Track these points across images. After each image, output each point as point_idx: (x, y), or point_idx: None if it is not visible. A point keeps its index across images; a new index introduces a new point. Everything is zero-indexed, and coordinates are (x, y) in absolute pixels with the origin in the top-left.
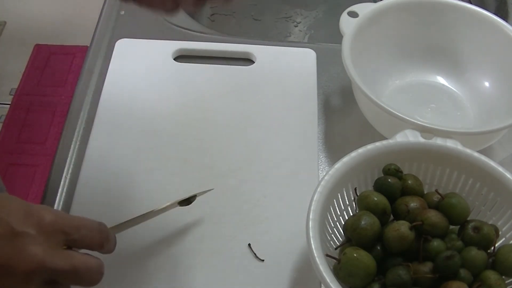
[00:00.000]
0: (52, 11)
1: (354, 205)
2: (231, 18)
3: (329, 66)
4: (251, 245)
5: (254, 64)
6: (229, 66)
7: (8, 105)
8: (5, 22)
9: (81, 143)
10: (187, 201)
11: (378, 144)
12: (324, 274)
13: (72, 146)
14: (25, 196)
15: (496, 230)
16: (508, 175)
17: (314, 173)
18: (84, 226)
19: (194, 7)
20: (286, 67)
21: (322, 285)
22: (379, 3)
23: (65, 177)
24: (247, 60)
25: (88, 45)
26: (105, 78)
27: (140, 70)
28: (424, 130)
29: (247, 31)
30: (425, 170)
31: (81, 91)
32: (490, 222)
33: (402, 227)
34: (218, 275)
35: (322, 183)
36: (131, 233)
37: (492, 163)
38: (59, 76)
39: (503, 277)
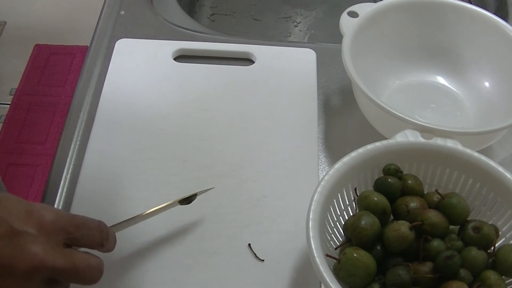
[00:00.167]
0: (52, 11)
1: (354, 205)
2: (231, 18)
3: (329, 66)
4: (251, 245)
5: (254, 64)
6: (229, 66)
7: (8, 105)
8: (5, 22)
9: (81, 143)
10: (187, 200)
11: (378, 144)
12: (324, 274)
13: (72, 146)
14: (25, 196)
15: (496, 230)
16: (508, 175)
17: (314, 173)
18: (85, 225)
19: None
20: (286, 67)
21: (322, 285)
22: (379, 3)
23: (65, 177)
24: (247, 60)
25: (88, 45)
26: (105, 78)
27: (140, 70)
28: (424, 130)
29: (247, 31)
30: (425, 170)
31: (81, 91)
32: (490, 222)
33: (402, 227)
34: (218, 275)
35: (322, 183)
36: (131, 233)
37: (492, 163)
38: (59, 76)
39: (503, 277)
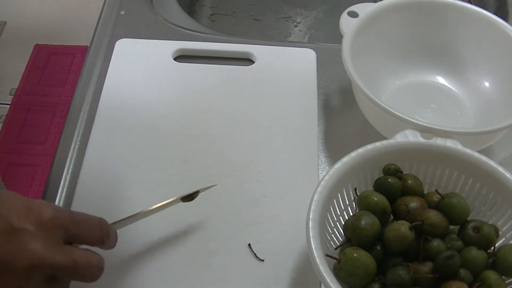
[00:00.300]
0: (52, 11)
1: (354, 205)
2: (231, 18)
3: (329, 66)
4: (251, 245)
5: (254, 64)
6: (229, 66)
7: (8, 105)
8: (5, 22)
9: (81, 143)
10: (189, 197)
11: (378, 144)
12: (324, 274)
13: (72, 146)
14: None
15: (496, 230)
16: (508, 175)
17: (314, 173)
18: (85, 222)
19: None
20: (286, 67)
21: (322, 285)
22: (379, 3)
23: (65, 177)
24: (247, 60)
25: (88, 45)
26: (105, 78)
27: (140, 70)
28: (424, 130)
29: (247, 31)
30: (425, 170)
31: (81, 91)
32: (490, 222)
33: (402, 227)
34: (218, 275)
35: (322, 183)
36: (131, 233)
37: (492, 163)
38: (59, 76)
39: (503, 277)
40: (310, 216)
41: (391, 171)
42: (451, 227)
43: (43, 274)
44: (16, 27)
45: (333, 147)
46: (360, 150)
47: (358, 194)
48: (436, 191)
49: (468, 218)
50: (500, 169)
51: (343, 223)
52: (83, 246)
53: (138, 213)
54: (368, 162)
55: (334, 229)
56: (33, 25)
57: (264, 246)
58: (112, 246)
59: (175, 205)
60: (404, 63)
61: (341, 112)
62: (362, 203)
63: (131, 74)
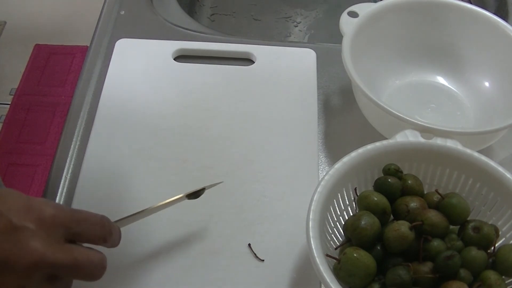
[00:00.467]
0: (52, 11)
1: (354, 205)
2: (231, 18)
3: (329, 66)
4: (251, 245)
5: (254, 64)
6: (229, 66)
7: (8, 105)
8: (5, 22)
9: (81, 143)
10: (195, 194)
11: (378, 144)
12: (324, 274)
13: (72, 146)
14: None
15: (496, 230)
16: (508, 175)
17: (314, 173)
18: (86, 220)
19: None
20: (286, 67)
21: (322, 285)
22: (379, 3)
23: (65, 177)
24: (247, 60)
25: (88, 45)
26: (105, 78)
27: (140, 70)
28: (424, 130)
29: (247, 31)
30: (425, 170)
31: (81, 91)
32: (490, 222)
33: (402, 227)
34: (218, 275)
35: (322, 183)
36: (131, 233)
37: (492, 163)
38: (59, 76)
39: (503, 277)
40: (310, 216)
41: (391, 171)
42: (451, 227)
43: (44, 273)
44: (16, 27)
45: (333, 147)
46: (360, 150)
47: (358, 194)
48: (436, 191)
49: (468, 218)
50: (500, 169)
51: (343, 223)
52: (87, 245)
53: (143, 211)
54: (368, 162)
55: (334, 229)
56: (33, 25)
57: (264, 246)
58: (115, 244)
59: (175, 205)
60: (404, 63)
61: (341, 112)
62: (362, 203)
63: (131, 74)
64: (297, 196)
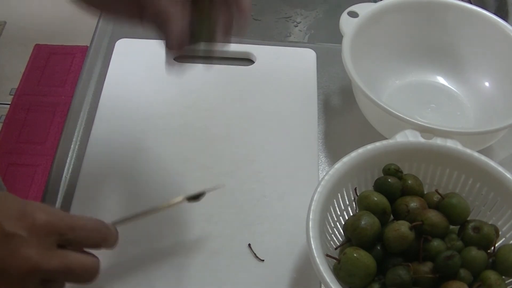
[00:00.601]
0: (52, 11)
1: (354, 205)
2: None
3: (329, 66)
4: (251, 245)
5: (254, 64)
6: (229, 66)
7: (8, 105)
8: (5, 22)
9: (81, 143)
10: (195, 198)
11: (378, 144)
12: (324, 274)
13: (72, 146)
14: (25, 196)
15: (496, 230)
16: (508, 175)
17: (314, 173)
18: (81, 226)
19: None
20: (286, 67)
21: (322, 285)
22: (379, 3)
23: (65, 177)
24: (247, 60)
25: (88, 45)
26: (105, 78)
27: (140, 70)
28: (424, 130)
29: (247, 31)
30: (425, 170)
31: (81, 91)
32: (490, 222)
33: (402, 227)
34: (218, 275)
35: (322, 183)
36: (130, 233)
37: (492, 163)
38: (59, 76)
39: (503, 277)
40: (310, 216)
41: (391, 171)
42: (451, 227)
43: (37, 279)
44: (16, 27)
45: (333, 147)
46: (360, 150)
47: (358, 194)
48: (436, 191)
49: (468, 218)
50: (500, 169)
51: (343, 223)
52: None
53: (142, 212)
54: (368, 162)
55: (334, 229)
56: (33, 25)
57: (264, 246)
58: (111, 247)
59: (175, 205)
60: (404, 63)
61: (341, 112)
62: (362, 203)
63: (131, 74)
64: (297, 196)
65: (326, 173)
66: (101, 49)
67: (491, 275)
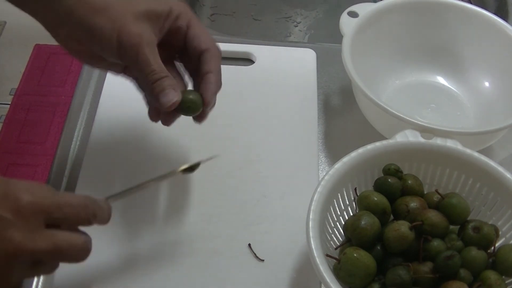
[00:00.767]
0: None
1: (354, 205)
2: (231, 18)
3: (329, 66)
4: (251, 245)
5: (254, 64)
6: (229, 66)
7: (8, 105)
8: (5, 22)
9: (81, 143)
10: (190, 169)
11: (378, 144)
12: (324, 274)
13: (72, 146)
14: None
15: (496, 230)
16: (508, 175)
17: (314, 173)
18: (67, 204)
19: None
20: (286, 67)
21: (322, 285)
22: (379, 3)
23: (65, 177)
24: (247, 60)
25: None
26: (105, 78)
27: None
28: (424, 130)
29: (247, 31)
30: (425, 170)
31: (81, 91)
32: (490, 222)
33: (402, 227)
34: (218, 275)
35: (322, 183)
36: (130, 232)
37: (492, 163)
38: (59, 76)
39: (503, 277)
40: (310, 216)
41: (391, 171)
42: (451, 227)
43: (24, 261)
44: (16, 27)
45: (333, 147)
46: (360, 150)
47: (358, 194)
48: (436, 191)
49: (468, 218)
50: (500, 169)
51: (343, 223)
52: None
53: (137, 186)
54: (368, 162)
55: (334, 229)
56: (33, 25)
57: (264, 246)
58: (104, 223)
59: (175, 205)
60: (404, 63)
61: (341, 112)
62: (362, 203)
63: None
64: (297, 196)
65: (326, 173)
66: None
67: (491, 275)
